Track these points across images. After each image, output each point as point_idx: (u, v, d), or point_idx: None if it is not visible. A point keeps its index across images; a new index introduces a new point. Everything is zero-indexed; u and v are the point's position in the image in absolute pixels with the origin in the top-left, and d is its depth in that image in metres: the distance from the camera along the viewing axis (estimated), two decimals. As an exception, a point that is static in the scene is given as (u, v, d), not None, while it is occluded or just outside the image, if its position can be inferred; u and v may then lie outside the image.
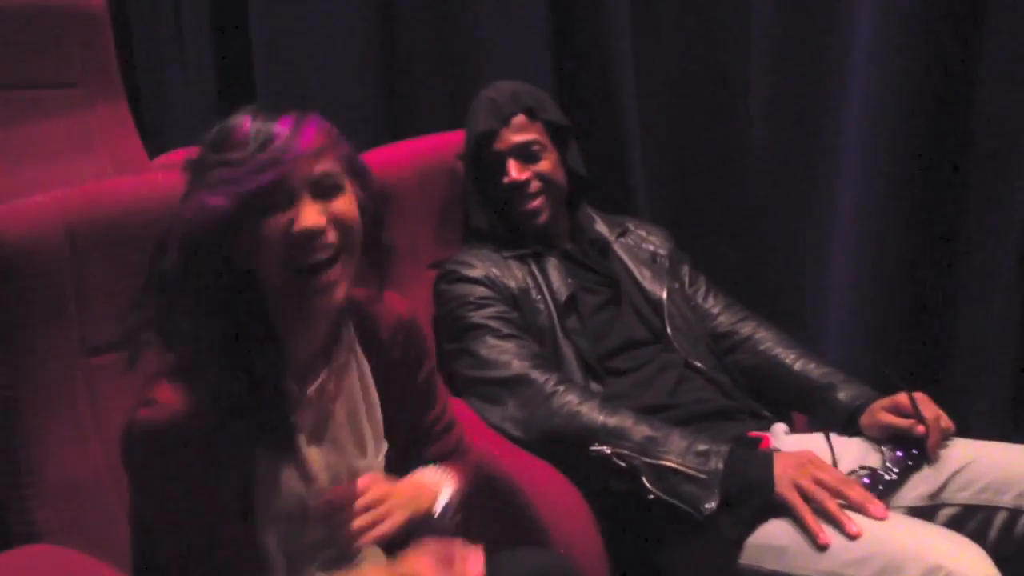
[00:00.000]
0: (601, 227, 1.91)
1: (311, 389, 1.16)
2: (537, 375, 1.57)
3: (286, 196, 1.05)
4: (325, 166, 1.07)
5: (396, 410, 1.26)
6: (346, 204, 1.09)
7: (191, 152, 2.30)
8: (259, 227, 1.05)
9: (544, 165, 1.79)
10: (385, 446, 1.25)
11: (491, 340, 1.64)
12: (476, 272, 1.72)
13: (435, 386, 1.34)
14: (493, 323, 1.65)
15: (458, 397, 1.64)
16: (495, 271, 1.73)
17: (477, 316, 1.67)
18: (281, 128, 1.06)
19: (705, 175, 2.22)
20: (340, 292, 1.09)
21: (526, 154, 1.78)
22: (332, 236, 1.08)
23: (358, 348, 1.23)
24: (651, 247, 1.91)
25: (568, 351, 1.67)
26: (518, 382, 1.58)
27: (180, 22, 2.67)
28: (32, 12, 2.31)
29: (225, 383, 1.06)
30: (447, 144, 1.86)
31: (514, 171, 1.77)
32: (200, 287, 1.06)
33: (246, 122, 1.07)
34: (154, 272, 1.08)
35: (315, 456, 1.16)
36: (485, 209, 1.82)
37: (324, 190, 1.08)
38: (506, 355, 1.61)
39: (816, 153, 2.06)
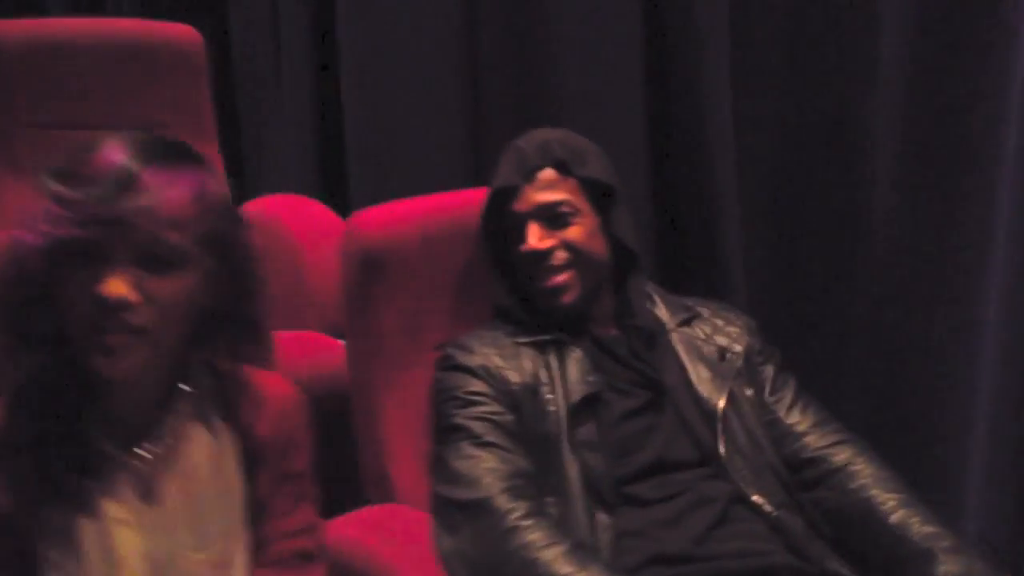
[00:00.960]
0: (661, 311, 1.52)
1: (135, 455, 1.03)
2: (503, 502, 1.22)
3: (102, 255, 0.95)
4: (168, 236, 0.96)
5: (259, 503, 1.11)
6: (173, 285, 0.98)
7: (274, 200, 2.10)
8: (64, 278, 0.95)
9: (574, 232, 1.44)
10: (244, 539, 1.08)
11: (467, 448, 1.30)
12: (473, 360, 1.39)
13: (302, 494, 1.15)
14: (476, 426, 1.32)
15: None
16: (498, 360, 1.39)
17: (460, 415, 1.34)
18: (148, 177, 0.95)
19: (817, 250, 1.78)
20: (125, 368, 0.98)
21: (551, 217, 1.44)
22: (140, 316, 0.96)
23: (217, 423, 1.09)
24: (723, 340, 1.50)
25: (572, 469, 1.30)
26: (480, 508, 1.23)
27: (280, 67, 2.55)
28: (128, 50, 2.26)
29: (17, 421, 1.00)
30: (467, 202, 1.55)
31: (533, 238, 1.43)
32: (16, 318, 0.99)
33: (113, 154, 0.96)
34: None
35: (128, 538, 1.01)
36: (504, 283, 1.49)
37: (151, 262, 0.96)
38: (478, 470, 1.28)
39: (961, 224, 1.58)
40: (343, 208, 2.16)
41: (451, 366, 1.41)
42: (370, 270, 1.49)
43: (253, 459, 1.10)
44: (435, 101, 2.16)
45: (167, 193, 0.95)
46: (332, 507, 1.39)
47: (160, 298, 0.96)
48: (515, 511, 1.21)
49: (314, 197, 2.36)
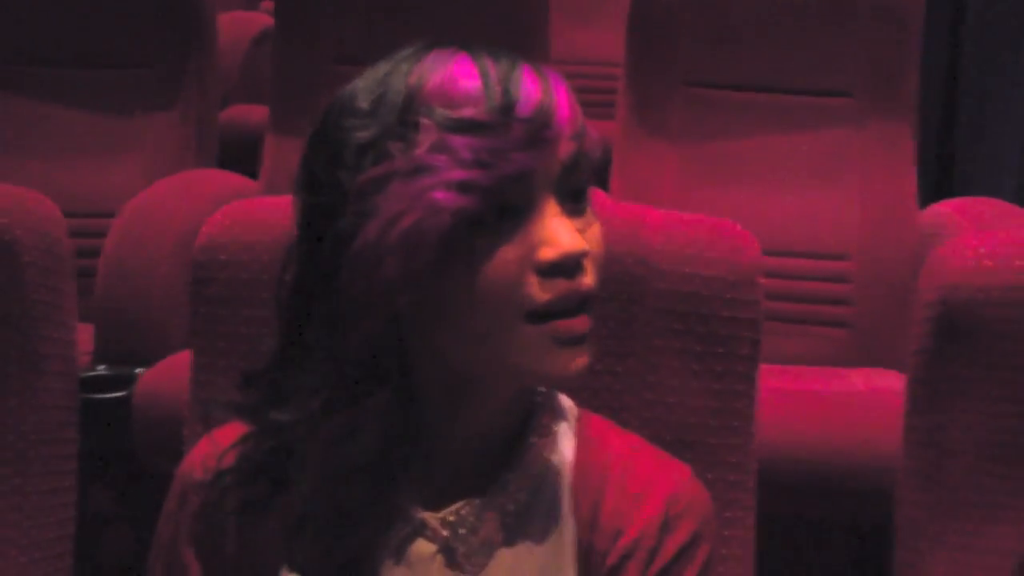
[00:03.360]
0: None
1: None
2: None
3: (525, 196, 0.63)
4: (592, 151, 0.66)
5: None
6: (597, 229, 0.67)
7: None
8: (484, 246, 0.62)
9: None
10: None
11: None
12: None
13: None
14: None
15: None
16: None
17: None
18: (528, 77, 0.64)
19: None
20: (587, 361, 0.65)
21: None
22: (589, 277, 0.64)
23: (562, 505, 0.70)
24: None
25: None
26: None
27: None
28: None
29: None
30: None
31: None
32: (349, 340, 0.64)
33: (464, 62, 0.63)
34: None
35: None
36: None
37: (574, 194, 0.65)
38: None
39: None
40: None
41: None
42: (953, 336, 0.88)
43: (594, 567, 0.70)
44: None
45: (560, 94, 0.64)
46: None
47: (597, 248, 0.66)
48: None
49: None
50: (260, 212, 0.90)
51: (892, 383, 1.42)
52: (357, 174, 0.62)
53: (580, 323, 0.64)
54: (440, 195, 0.60)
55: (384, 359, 0.65)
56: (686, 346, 0.88)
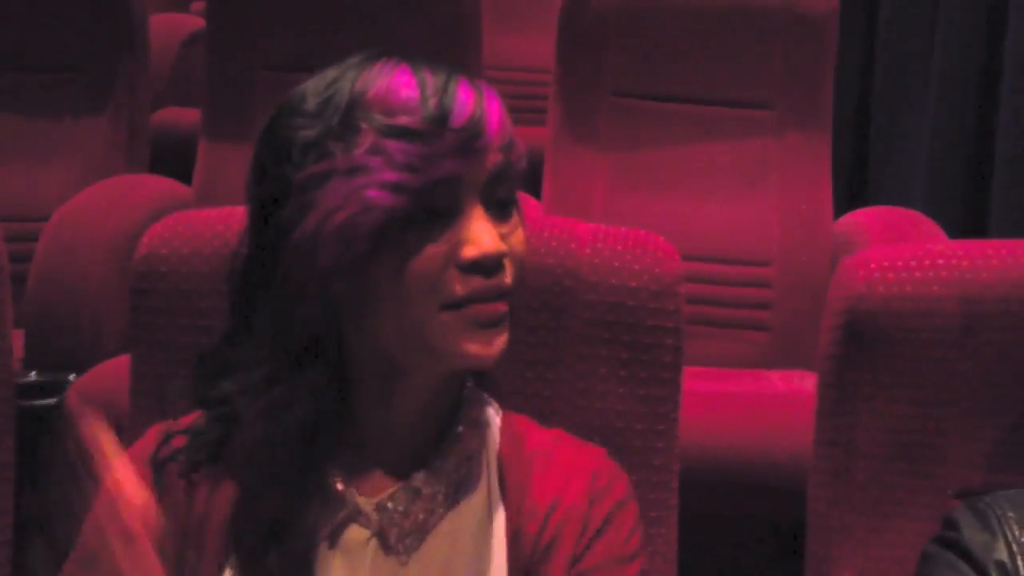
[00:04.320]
0: None
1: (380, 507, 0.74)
2: None
3: (453, 200, 0.69)
4: (517, 161, 0.72)
5: None
6: (520, 234, 0.73)
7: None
8: (407, 246, 0.68)
9: None
10: None
11: None
12: (991, 551, 0.79)
13: None
14: None
15: None
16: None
17: None
18: (463, 90, 0.69)
19: None
20: (502, 348, 0.71)
21: None
22: (507, 275, 0.71)
23: (491, 488, 0.76)
24: None
25: None
26: None
27: (931, 51, 1.93)
28: (741, 11, 1.89)
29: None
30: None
31: None
32: (286, 332, 0.70)
33: (404, 73, 0.69)
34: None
35: None
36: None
37: (500, 202, 0.71)
38: None
39: None
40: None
41: (949, 544, 0.83)
42: (859, 343, 0.93)
43: (523, 549, 0.75)
44: None
45: (492, 106, 0.70)
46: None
47: (517, 252, 0.72)
48: None
49: (943, 217, 1.77)
50: (199, 224, 0.92)
51: (809, 384, 1.48)
52: (300, 170, 0.67)
53: (495, 307, 0.69)
54: (373, 193, 0.65)
55: (320, 340, 0.70)
56: (613, 354, 0.93)
